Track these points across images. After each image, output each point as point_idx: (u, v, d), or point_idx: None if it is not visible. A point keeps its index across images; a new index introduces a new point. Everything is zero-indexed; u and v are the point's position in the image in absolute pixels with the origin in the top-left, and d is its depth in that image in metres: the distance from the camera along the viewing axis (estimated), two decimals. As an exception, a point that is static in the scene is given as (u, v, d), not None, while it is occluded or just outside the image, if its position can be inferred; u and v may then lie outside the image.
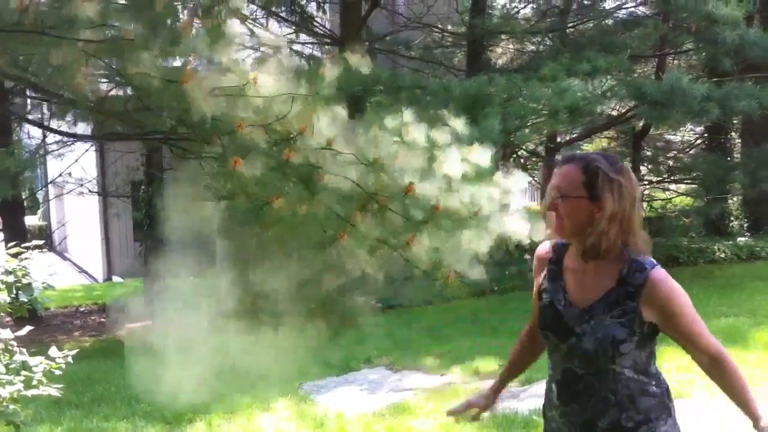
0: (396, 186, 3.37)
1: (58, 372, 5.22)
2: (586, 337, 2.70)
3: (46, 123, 14.74)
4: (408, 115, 3.62)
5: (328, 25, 16.62)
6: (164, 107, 3.15)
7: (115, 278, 19.20)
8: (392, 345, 9.54)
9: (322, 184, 3.36)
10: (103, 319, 13.93)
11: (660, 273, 2.65)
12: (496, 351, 8.45)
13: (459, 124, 3.73)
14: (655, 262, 2.68)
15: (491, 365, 7.98)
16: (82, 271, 21.56)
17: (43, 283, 5.59)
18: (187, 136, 3.38)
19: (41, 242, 5.71)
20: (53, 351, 5.31)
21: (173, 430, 6.50)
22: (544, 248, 2.97)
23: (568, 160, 2.74)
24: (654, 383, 2.77)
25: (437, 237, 3.33)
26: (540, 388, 7.07)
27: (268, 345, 3.37)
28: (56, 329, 12.34)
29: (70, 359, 5.27)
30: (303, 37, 16.39)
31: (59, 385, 5.19)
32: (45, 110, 14.54)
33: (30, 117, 15.62)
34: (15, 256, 5.42)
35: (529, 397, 6.86)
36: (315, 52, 16.47)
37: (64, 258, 23.35)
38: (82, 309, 14.95)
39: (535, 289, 2.98)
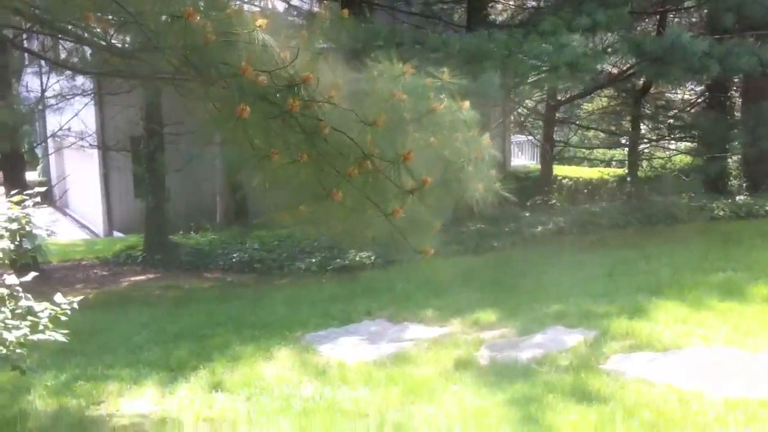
0: (393, 151, 3.42)
1: (63, 318, 5.28)
2: None
3: (44, 78, 14.72)
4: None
5: (327, -20, 16.47)
6: (170, 46, 3.18)
7: (116, 233, 19.22)
8: (392, 298, 9.60)
9: (323, 136, 3.39)
10: (105, 273, 14.00)
11: None
12: (495, 303, 8.53)
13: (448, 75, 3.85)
14: None
15: (490, 317, 8.05)
16: (83, 226, 21.54)
17: (47, 230, 5.64)
18: (191, 77, 3.41)
19: (43, 189, 5.74)
20: (58, 297, 5.37)
21: (177, 377, 6.58)
22: None
23: None
24: None
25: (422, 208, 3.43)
26: (538, 339, 7.18)
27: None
28: (58, 282, 12.41)
29: (75, 305, 5.33)
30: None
31: (65, 331, 5.26)
32: (44, 64, 14.46)
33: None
34: (18, 203, 5.46)
35: (529, 347, 6.95)
36: (315, 9, 16.35)
37: (65, 213, 23.33)
38: (84, 263, 15.01)
39: None
